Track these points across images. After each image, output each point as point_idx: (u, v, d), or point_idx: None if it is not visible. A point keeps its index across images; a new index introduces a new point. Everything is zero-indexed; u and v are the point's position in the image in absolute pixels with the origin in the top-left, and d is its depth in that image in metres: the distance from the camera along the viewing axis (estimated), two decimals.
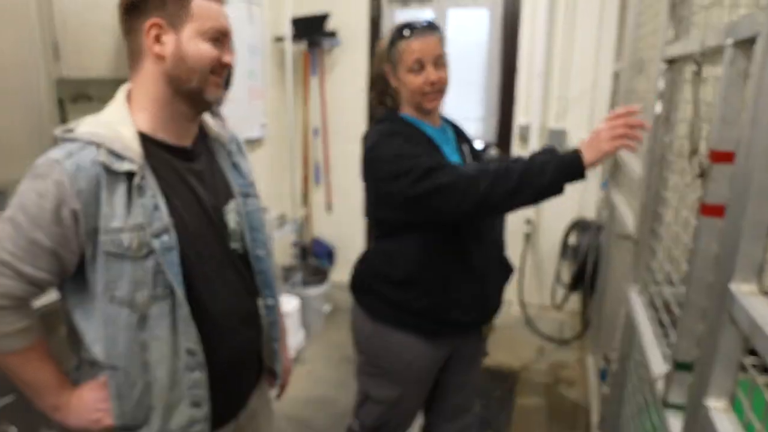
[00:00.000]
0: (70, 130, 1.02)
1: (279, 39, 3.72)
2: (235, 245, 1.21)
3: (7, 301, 1.00)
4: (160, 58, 1.04)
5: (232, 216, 1.21)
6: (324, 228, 4.32)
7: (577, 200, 3.66)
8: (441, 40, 1.54)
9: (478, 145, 1.73)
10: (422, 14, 3.76)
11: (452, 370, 1.77)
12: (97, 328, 1.03)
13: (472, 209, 1.35)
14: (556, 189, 1.32)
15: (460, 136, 1.72)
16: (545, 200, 1.35)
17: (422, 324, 1.59)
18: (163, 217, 1.03)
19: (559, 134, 3.58)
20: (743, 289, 0.76)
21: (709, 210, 0.97)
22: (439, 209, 1.39)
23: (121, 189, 1.00)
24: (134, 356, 1.04)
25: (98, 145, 0.98)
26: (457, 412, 1.87)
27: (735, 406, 0.83)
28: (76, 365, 1.12)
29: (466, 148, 1.69)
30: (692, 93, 1.06)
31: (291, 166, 3.66)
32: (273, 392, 1.45)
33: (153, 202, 1.02)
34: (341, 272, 4.34)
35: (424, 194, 1.37)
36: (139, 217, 1.00)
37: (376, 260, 1.65)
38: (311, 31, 3.78)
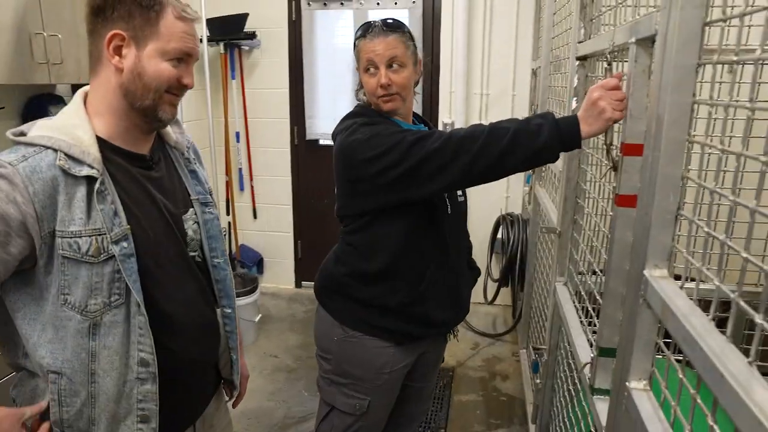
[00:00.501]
0: (23, 134, 0.99)
1: None
2: (193, 253, 1.20)
3: None
4: (118, 69, 1.03)
5: (190, 224, 1.20)
6: (251, 235, 4.22)
7: (503, 195, 3.76)
8: (403, 41, 1.47)
9: None
10: (342, 16, 3.75)
11: (415, 377, 1.73)
12: (43, 333, 1.00)
13: (463, 172, 1.26)
14: (549, 154, 1.22)
15: None
16: (537, 165, 1.28)
17: (395, 326, 1.53)
18: (123, 223, 1.01)
19: None
20: (655, 274, 0.79)
21: (623, 201, 1.01)
22: (431, 177, 1.30)
23: (80, 193, 0.97)
24: (81, 364, 1.00)
25: (55, 150, 0.96)
26: (412, 418, 1.85)
27: (653, 386, 0.86)
28: (14, 384, 1.08)
29: None
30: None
31: (212, 172, 3.54)
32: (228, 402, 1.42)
33: (113, 208, 1.00)
34: (271, 280, 4.27)
35: (415, 165, 1.30)
36: (98, 223, 0.98)
37: (348, 258, 1.57)
38: (228, 31, 3.68)
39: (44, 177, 0.94)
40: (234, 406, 1.42)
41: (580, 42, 1.59)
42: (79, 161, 0.97)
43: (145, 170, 1.12)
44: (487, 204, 3.76)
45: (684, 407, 0.72)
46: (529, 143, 1.20)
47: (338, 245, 1.63)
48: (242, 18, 3.68)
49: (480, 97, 3.66)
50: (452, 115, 3.70)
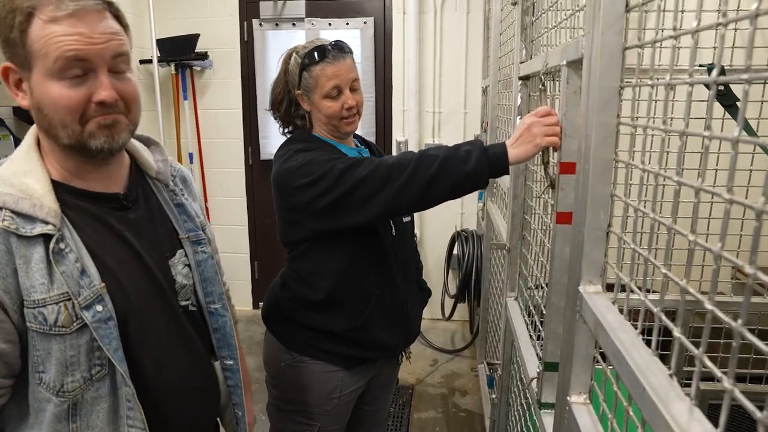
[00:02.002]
0: None
1: (144, 61, 3.56)
2: (185, 302, 1.05)
3: None
4: (26, 107, 0.86)
5: (179, 269, 1.04)
6: None
7: (458, 212, 3.80)
8: (354, 63, 1.48)
9: None
10: (294, 36, 3.76)
11: (367, 400, 1.71)
12: (23, 416, 0.86)
13: (393, 199, 1.26)
14: (478, 179, 1.22)
15: (377, 155, 1.65)
16: (466, 191, 1.26)
17: (344, 351, 1.51)
18: (94, 282, 0.85)
19: None
20: (589, 290, 0.81)
21: (561, 218, 1.04)
22: (362, 204, 1.30)
23: (37, 255, 0.81)
24: None
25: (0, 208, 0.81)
26: None
27: (593, 399, 0.88)
28: None
29: None
30: (533, 106, 1.13)
31: None
32: None
33: (78, 267, 0.84)
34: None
35: (346, 192, 1.30)
36: (63, 287, 0.82)
37: (292, 283, 1.55)
38: (179, 52, 3.65)
39: None
40: None
41: (522, 62, 1.63)
42: (29, 218, 0.81)
43: (118, 212, 0.95)
44: (442, 221, 3.80)
45: (621, 419, 0.74)
46: (458, 169, 1.21)
47: (285, 269, 1.61)
48: (193, 38, 3.65)
49: (432, 115, 3.71)
50: (405, 133, 3.74)
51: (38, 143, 0.91)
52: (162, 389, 0.97)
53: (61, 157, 0.89)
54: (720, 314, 0.46)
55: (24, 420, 0.86)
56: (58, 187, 0.86)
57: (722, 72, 1.26)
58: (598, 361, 0.88)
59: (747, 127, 1.42)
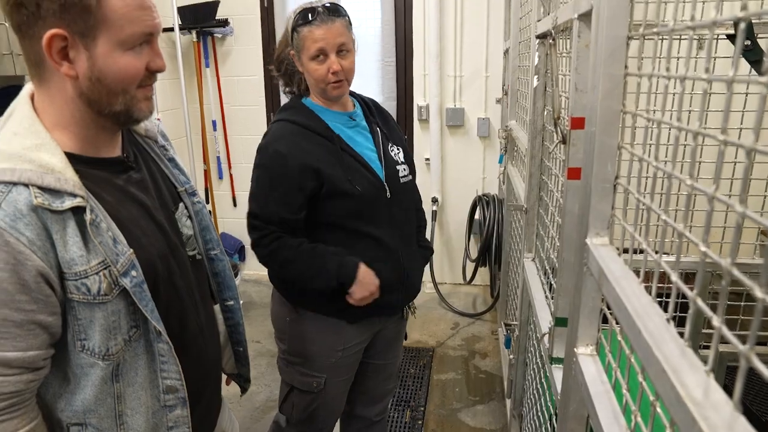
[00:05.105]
0: None
1: (166, 29, 3.57)
2: (192, 252, 1.09)
3: (0, 401, 0.81)
4: (70, 77, 0.84)
5: (184, 221, 1.08)
6: (231, 224, 4.22)
7: (480, 176, 3.79)
8: (346, 26, 1.48)
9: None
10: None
11: (373, 354, 1.77)
12: (64, 383, 0.89)
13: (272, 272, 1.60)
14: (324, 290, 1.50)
15: (375, 117, 1.67)
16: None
17: (343, 306, 1.55)
18: (125, 250, 0.88)
19: (458, 113, 3.68)
20: (596, 242, 0.81)
21: (572, 173, 1.04)
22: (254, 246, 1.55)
23: (70, 228, 0.82)
24: (107, 410, 0.90)
25: (26, 185, 0.79)
26: (377, 395, 1.87)
27: (600, 352, 0.90)
28: None
29: (378, 129, 1.63)
30: (550, 64, 1.12)
31: (190, 161, 3.53)
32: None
33: (110, 234, 0.86)
34: (252, 266, 4.28)
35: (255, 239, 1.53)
36: (99, 256, 0.84)
37: None
38: (200, 19, 3.66)
39: (31, 220, 0.78)
40: (241, 395, 1.40)
41: (539, 20, 1.61)
42: (56, 192, 0.80)
43: (124, 174, 0.96)
44: (464, 185, 3.79)
45: (624, 369, 0.75)
46: (311, 284, 1.50)
47: None
48: (214, 5, 3.65)
49: (454, 79, 3.67)
50: (426, 97, 3.71)
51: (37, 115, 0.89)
52: (186, 339, 1.02)
53: (82, 128, 0.89)
54: (740, 275, 0.42)
55: (64, 386, 0.89)
56: (69, 158, 0.85)
57: (750, 27, 1.22)
58: (607, 321, 0.89)
59: None
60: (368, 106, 1.67)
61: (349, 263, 1.48)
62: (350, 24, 1.51)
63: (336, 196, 1.48)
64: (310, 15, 1.44)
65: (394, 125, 1.72)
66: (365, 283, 1.49)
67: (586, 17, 0.93)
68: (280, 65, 1.60)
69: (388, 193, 1.56)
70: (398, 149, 1.65)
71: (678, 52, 1.46)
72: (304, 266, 1.49)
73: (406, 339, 1.90)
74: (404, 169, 1.63)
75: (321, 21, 1.43)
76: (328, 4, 1.46)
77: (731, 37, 1.41)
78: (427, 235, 3.69)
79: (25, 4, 0.79)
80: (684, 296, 0.53)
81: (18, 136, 0.83)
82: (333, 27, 1.44)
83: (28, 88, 0.90)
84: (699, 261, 0.55)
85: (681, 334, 0.54)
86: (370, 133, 1.62)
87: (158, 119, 1.18)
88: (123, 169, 0.97)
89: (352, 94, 1.67)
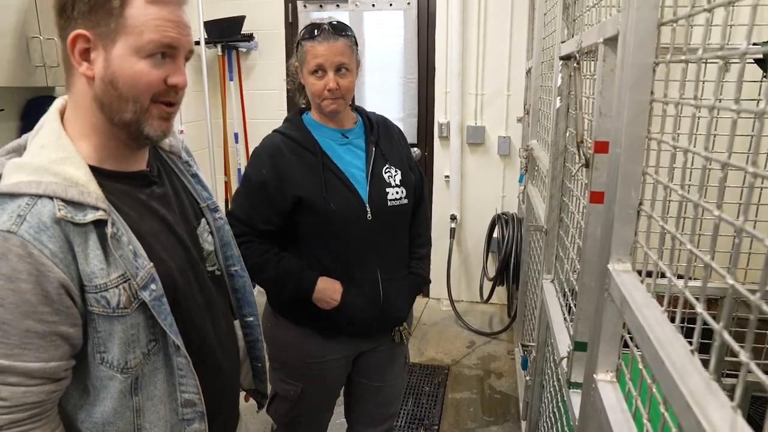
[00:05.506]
0: None
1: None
2: (211, 268, 1.10)
3: (23, 411, 0.81)
4: (88, 78, 0.86)
5: (205, 237, 1.09)
6: None
7: (500, 194, 3.78)
8: (349, 46, 1.49)
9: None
10: (338, 17, 3.76)
11: (368, 374, 1.75)
12: (84, 394, 0.90)
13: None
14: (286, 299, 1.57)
15: (376, 136, 1.64)
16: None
17: (314, 319, 1.57)
18: (145, 264, 0.88)
19: (479, 131, 3.68)
20: (618, 268, 0.81)
21: (594, 197, 1.03)
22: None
23: (92, 241, 0.83)
24: (126, 423, 0.91)
25: (50, 197, 0.80)
26: (376, 419, 1.85)
27: (620, 378, 0.88)
28: None
29: (374, 149, 1.61)
30: (573, 86, 1.12)
31: (212, 172, 3.58)
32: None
33: (131, 249, 0.87)
34: None
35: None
36: (119, 269, 0.85)
37: None
38: (226, 33, 3.72)
39: (54, 233, 0.79)
40: (258, 410, 1.39)
41: (563, 42, 1.61)
42: (79, 205, 0.82)
43: (147, 188, 0.98)
44: (484, 203, 3.78)
45: (646, 398, 0.74)
46: (278, 293, 1.60)
47: None
48: (239, 20, 3.71)
49: (475, 97, 3.67)
50: (447, 115, 3.72)
51: (63, 124, 0.91)
52: (205, 353, 1.03)
53: (102, 138, 0.90)
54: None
55: (84, 398, 0.90)
56: (93, 171, 0.86)
57: None
58: (627, 346, 0.88)
59: None
60: (372, 125, 1.65)
61: (307, 280, 1.53)
62: (355, 44, 1.53)
63: (310, 210, 1.50)
64: (315, 31, 1.48)
65: (400, 145, 1.69)
66: (321, 299, 1.54)
67: (612, 42, 0.93)
68: (294, 77, 1.63)
69: (369, 215, 1.54)
70: (396, 171, 1.62)
71: (704, 75, 1.45)
72: (270, 275, 1.55)
73: (407, 362, 1.86)
74: (397, 192, 1.60)
75: (324, 38, 1.46)
76: (335, 23, 1.49)
77: (759, 62, 1.40)
78: (444, 252, 3.72)
79: (65, 8, 0.84)
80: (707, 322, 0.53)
81: (45, 149, 0.85)
82: (335, 45, 1.46)
83: (58, 102, 0.92)
84: (724, 288, 0.54)
85: (705, 362, 0.53)
86: (364, 152, 1.61)
87: (182, 131, 1.21)
88: (146, 184, 0.98)
89: (360, 111, 1.68)
